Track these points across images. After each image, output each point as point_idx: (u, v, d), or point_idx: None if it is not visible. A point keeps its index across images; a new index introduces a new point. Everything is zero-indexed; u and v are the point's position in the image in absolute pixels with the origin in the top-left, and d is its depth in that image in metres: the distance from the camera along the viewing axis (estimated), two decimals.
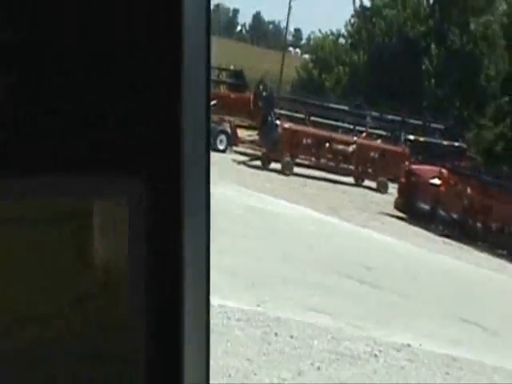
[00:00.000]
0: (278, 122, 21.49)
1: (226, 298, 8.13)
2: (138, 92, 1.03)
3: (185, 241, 1.06)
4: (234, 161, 21.15)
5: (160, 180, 1.05)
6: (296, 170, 21.11)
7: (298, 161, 21.53)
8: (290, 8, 52.39)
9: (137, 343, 1.06)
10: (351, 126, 23.18)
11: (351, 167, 21.76)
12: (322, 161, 21.71)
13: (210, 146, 1.09)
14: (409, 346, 8.20)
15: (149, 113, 1.03)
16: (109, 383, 1.06)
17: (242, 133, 23.26)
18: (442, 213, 17.33)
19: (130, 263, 1.05)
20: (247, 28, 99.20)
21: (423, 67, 30.39)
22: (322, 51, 36.36)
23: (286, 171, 20.81)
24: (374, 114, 24.28)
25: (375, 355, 7.77)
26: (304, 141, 21.50)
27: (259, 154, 22.03)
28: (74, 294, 1.05)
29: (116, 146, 1.03)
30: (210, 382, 1.12)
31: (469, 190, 17.15)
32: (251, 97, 24.32)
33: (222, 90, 26.16)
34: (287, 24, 69.57)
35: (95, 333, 1.06)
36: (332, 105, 24.92)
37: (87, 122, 1.02)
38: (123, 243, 1.05)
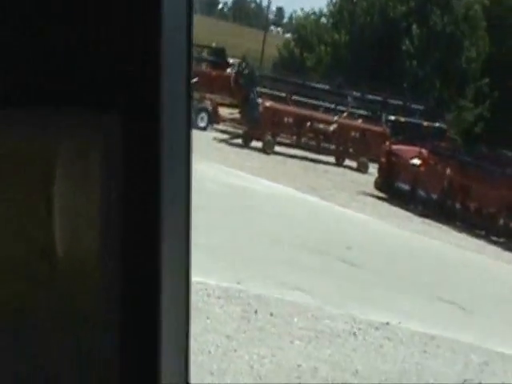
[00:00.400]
0: (259, 100, 21.43)
1: (205, 275, 8.13)
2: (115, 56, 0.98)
3: (163, 192, 0.98)
4: (215, 139, 21.09)
5: (137, 128, 0.98)
6: (277, 148, 21.09)
7: (279, 139, 21.51)
8: None
9: (110, 304, 0.98)
10: (332, 106, 23.15)
11: (332, 147, 21.76)
12: (303, 140, 21.71)
13: (191, 124, 1.05)
14: (387, 324, 8.25)
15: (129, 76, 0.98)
16: (80, 345, 1.00)
17: (223, 111, 23.17)
18: (421, 193, 17.41)
19: (102, 212, 0.96)
20: (229, 6, 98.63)
21: (404, 48, 30.35)
22: (304, 30, 36.20)
23: (267, 150, 20.79)
24: (356, 93, 24.24)
25: (354, 333, 7.81)
26: (285, 119, 21.47)
27: (240, 132, 21.99)
28: (38, 245, 0.97)
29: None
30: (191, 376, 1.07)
31: (448, 171, 17.21)
32: (233, 75, 24.22)
33: (204, 67, 26.03)
34: (269, 2, 69.21)
35: (62, 288, 0.97)
36: (313, 84, 24.85)
37: (60, 56, 0.96)
38: (96, 190, 0.96)
